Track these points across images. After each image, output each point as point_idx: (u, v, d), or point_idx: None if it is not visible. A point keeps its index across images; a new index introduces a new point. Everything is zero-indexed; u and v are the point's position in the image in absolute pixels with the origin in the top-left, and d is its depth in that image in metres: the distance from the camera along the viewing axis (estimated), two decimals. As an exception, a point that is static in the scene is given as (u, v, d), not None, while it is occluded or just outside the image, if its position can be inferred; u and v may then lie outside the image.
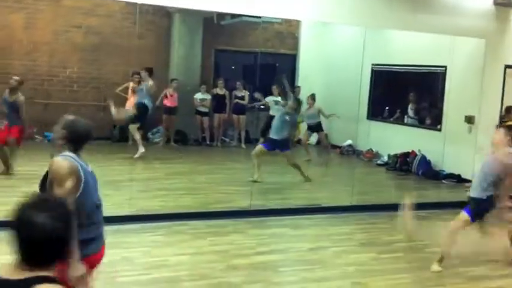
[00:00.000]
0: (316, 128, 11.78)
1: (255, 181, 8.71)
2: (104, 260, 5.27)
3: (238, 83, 13.00)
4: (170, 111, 12.27)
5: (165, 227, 6.49)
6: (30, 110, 9.21)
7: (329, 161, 12.35)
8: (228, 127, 13.27)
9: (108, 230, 6.10)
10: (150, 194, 7.86)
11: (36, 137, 11.35)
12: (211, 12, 12.18)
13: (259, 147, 9.16)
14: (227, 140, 13.30)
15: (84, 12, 12.13)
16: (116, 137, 12.12)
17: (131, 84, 11.65)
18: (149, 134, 12.41)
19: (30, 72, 11.60)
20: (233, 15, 12.42)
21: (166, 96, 12.19)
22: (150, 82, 10.44)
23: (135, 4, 11.35)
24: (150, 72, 10.58)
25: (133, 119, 10.28)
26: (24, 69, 11.37)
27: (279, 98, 11.79)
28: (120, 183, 8.20)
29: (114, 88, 11.96)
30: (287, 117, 9.07)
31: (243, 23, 12.51)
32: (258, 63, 13.00)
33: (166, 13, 12.92)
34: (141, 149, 9.98)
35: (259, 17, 12.62)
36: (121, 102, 11.34)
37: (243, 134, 12.87)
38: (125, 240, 5.94)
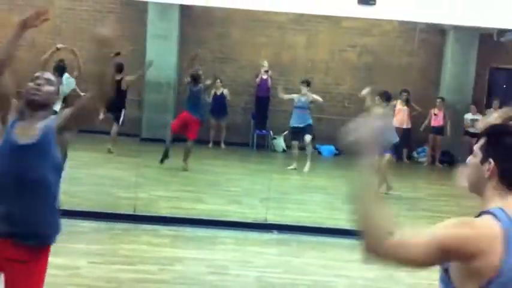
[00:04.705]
0: None
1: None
2: (369, 274, 5.55)
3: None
4: (436, 130, 12.08)
5: (430, 249, 6.45)
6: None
7: None
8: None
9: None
10: (414, 213, 7.90)
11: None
12: (490, 29, 11.59)
13: None
14: (497, 164, 12.45)
15: (360, 32, 12.74)
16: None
17: (399, 102, 11.82)
18: (414, 153, 12.43)
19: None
20: (515, 31, 11.62)
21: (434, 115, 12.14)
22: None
23: (409, 23, 11.54)
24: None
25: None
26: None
27: None
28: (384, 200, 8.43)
29: (383, 105, 12.33)
30: None
31: (527, 39, 11.60)
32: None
33: (440, 31, 12.74)
34: None
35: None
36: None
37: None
38: (390, 258, 6.08)
